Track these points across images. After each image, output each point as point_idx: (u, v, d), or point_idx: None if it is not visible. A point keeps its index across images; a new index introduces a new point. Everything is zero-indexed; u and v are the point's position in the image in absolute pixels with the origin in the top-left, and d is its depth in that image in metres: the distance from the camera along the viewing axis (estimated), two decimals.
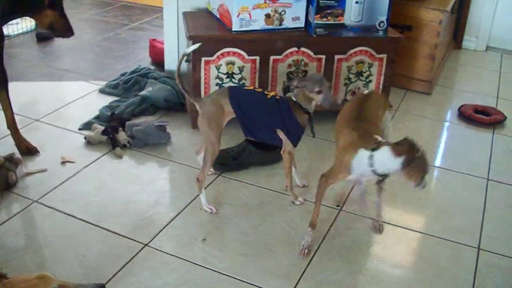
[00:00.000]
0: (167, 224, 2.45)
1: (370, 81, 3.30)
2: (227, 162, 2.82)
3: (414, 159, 2.01)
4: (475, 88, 4.34)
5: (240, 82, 3.10)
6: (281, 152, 2.57)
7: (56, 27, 2.65)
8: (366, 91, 2.52)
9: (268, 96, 2.50)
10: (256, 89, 2.57)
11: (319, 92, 2.42)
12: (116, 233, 2.38)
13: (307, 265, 2.27)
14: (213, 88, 3.08)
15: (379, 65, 3.27)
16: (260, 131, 2.54)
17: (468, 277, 2.29)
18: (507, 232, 2.58)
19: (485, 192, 2.85)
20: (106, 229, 2.41)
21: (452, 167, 3.05)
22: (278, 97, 2.51)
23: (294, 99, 2.48)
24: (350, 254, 2.35)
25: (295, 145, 2.54)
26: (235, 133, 3.07)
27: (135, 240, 2.35)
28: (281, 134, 2.51)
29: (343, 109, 2.44)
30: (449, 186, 2.92)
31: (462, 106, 3.73)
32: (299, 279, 2.20)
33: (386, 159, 2.07)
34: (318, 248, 2.36)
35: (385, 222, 2.55)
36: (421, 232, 2.55)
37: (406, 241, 2.50)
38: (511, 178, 3.00)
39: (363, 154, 2.12)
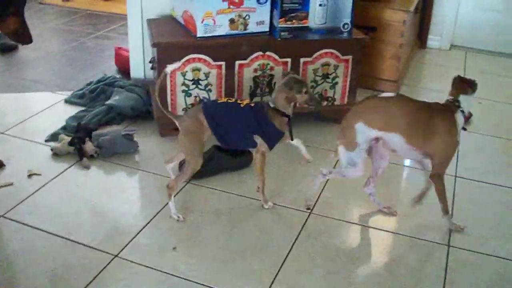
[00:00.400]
0: (137, 234, 2.43)
1: (337, 83, 3.31)
2: None
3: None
4: (441, 86, 4.36)
5: (207, 88, 3.09)
6: (254, 152, 2.57)
7: (19, 34, 2.62)
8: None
9: (242, 105, 2.50)
10: (229, 100, 2.56)
11: (306, 92, 2.45)
12: (85, 245, 2.35)
13: (279, 269, 2.26)
14: (180, 96, 3.07)
15: (345, 67, 3.28)
16: (236, 140, 2.55)
17: (439, 274, 2.31)
18: (476, 228, 2.60)
19: (453, 189, 2.88)
20: (75, 241, 2.37)
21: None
22: (252, 105, 2.51)
23: (271, 105, 2.48)
24: (322, 257, 2.35)
25: (271, 148, 2.54)
26: None
27: (104, 252, 2.32)
28: (257, 138, 2.51)
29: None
30: (418, 185, 2.93)
31: None
32: (272, 283, 2.19)
33: (466, 101, 2.44)
34: (289, 252, 2.36)
35: (356, 224, 2.56)
36: (392, 232, 2.56)
37: (378, 241, 2.52)
38: (478, 174, 3.04)
39: (459, 115, 2.41)
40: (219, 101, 2.58)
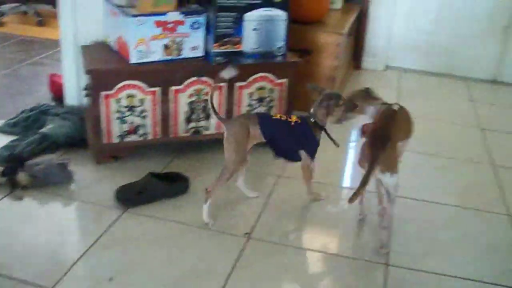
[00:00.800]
0: (73, 266, 2.37)
1: (272, 106, 3.33)
2: (131, 197, 2.76)
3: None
4: None
5: (142, 115, 3.06)
6: (301, 166, 2.79)
7: None
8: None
9: (292, 123, 2.69)
10: (282, 117, 2.74)
11: (342, 104, 2.73)
12: (19, 279, 2.27)
13: None
14: (114, 123, 3.03)
15: (280, 90, 3.31)
16: (286, 153, 2.78)
17: None
18: (414, 246, 2.65)
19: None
20: (7, 276, 2.29)
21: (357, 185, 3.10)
22: (299, 121, 2.71)
23: (312, 119, 2.70)
24: (262, 283, 2.34)
25: (313, 159, 2.76)
26: (138, 167, 3.05)
27: (39, 285, 2.25)
28: (301, 152, 2.75)
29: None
30: (355, 205, 2.96)
31: (363, 125, 3.81)
32: None
33: None
34: (228, 277, 2.34)
35: (295, 247, 2.56)
36: (331, 254, 2.58)
37: (317, 263, 2.53)
38: (415, 192, 3.09)
39: None
40: (273, 117, 2.73)
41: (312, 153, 2.75)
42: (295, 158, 2.79)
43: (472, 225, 2.87)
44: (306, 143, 2.73)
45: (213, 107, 2.62)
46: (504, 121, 4.45)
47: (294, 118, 2.72)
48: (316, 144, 2.74)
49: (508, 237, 2.80)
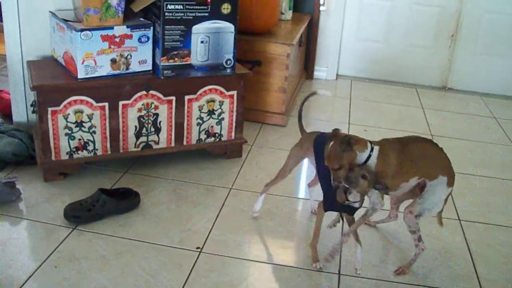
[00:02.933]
0: (21, 287, 2.32)
1: (223, 118, 3.33)
2: (80, 215, 2.72)
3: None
4: (328, 116, 4.50)
5: (91, 131, 3.02)
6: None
7: None
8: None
9: None
10: None
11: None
12: None
13: None
14: (63, 139, 2.98)
15: (230, 102, 3.31)
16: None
17: None
18: (365, 254, 2.67)
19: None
20: None
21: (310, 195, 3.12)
22: None
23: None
24: None
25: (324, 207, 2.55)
26: (87, 184, 3.01)
27: None
28: None
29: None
30: (306, 214, 2.98)
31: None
32: None
33: None
34: None
35: (247, 259, 2.55)
36: (283, 265, 2.57)
37: (270, 275, 2.51)
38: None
39: None
40: None
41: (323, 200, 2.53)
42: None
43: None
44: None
45: (300, 118, 2.83)
46: (452, 127, 4.53)
47: None
48: (327, 195, 2.50)
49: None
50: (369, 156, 2.33)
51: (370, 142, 2.38)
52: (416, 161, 2.41)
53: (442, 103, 5.16)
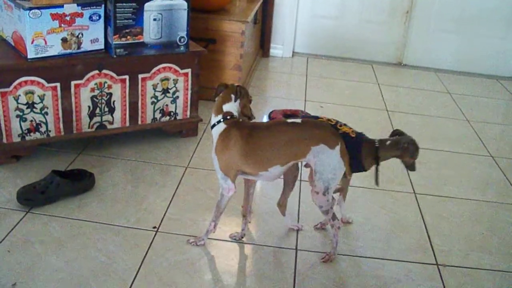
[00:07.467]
0: None
1: (178, 97, 3.30)
2: (34, 197, 2.67)
3: None
4: (285, 93, 4.51)
5: (43, 112, 2.96)
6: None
7: None
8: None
9: (339, 131, 2.44)
10: (330, 121, 2.51)
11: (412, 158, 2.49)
12: None
13: None
14: (14, 121, 2.91)
15: (184, 80, 3.28)
16: None
17: (288, 279, 2.35)
18: (320, 231, 2.69)
19: (298, 194, 2.94)
20: None
21: None
22: (353, 135, 2.47)
23: (376, 144, 2.46)
24: (170, 275, 2.31)
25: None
26: (41, 166, 2.95)
27: None
28: None
29: None
30: (263, 192, 2.98)
31: (272, 112, 3.81)
32: None
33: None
34: (137, 273, 2.30)
35: (198, 238, 2.54)
36: (241, 242, 2.57)
37: (227, 253, 2.51)
38: None
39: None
40: (319, 118, 2.53)
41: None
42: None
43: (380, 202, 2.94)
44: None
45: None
46: (408, 102, 4.58)
47: (345, 129, 2.49)
48: (358, 167, 2.48)
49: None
50: (219, 122, 2.35)
51: (226, 113, 2.36)
52: (268, 149, 2.31)
53: (397, 79, 5.21)
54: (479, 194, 3.18)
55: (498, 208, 3.07)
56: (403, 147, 2.44)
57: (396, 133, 2.55)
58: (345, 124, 2.53)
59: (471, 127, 4.17)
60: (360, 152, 2.45)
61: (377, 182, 2.51)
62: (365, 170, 2.52)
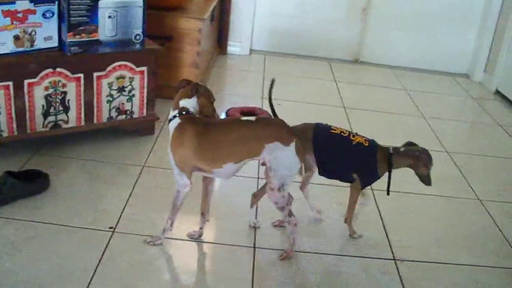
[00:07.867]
0: None
1: (134, 95, 3.26)
2: None
3: None
4: (242, 90, 4.50)
5: None
6: (350, 186, 2.62)
7: None
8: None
9: (353, 142, 2.53)
10: (343, 132, 2.56)
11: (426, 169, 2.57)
12: None
13: None
14: None
15: (140, 79, 3.24)
16: (334, 172, 2.62)
17: (246, 277, 2.35)
18: (278, 228, 2.69)
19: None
20: None
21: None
22: (366, 144, 2.54)
23: (391, 151, 2.55)
24: (128, 276, 2.28)
25: (362, 188, 2.60)
26: None
27: None
28: (355, 175, 2.58)
29: None
30: (223, 191, 2.97)
31: (229, 109, 3.83)
32: None
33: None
34: (93, 274, 2.26)
35: (155, 237, 2.52)
36: (199, 241, 2.56)
37: (185, 252, 2.50)
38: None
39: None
40: (332, 131, 2.55)
41: (365, 183, 2.61)
42: (343, 178, 2.64)
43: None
44: (362, 169, 2.57)
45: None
46: (365, 99, 4.62)
47: (358, 139, 2.54)
48: (374, 176, 2.58)
49: None
50: (174, 116, 2.37)
51: (182, 108, 2.38)
52: (222, 146, 2.31)
53: (355, 76, 5.25)
54: (436, 189, 3.22)
55: (455, 203, 3.13)
56: (416, 155, 2.53)
57: (409, 144, 2.62)
58: (357, 134, 2.59)
59: (427, 124, 4.23)
60: (376, 159, 2.54)
61: (388, 191, 2.60)
62: (379, 178, 2.59)
